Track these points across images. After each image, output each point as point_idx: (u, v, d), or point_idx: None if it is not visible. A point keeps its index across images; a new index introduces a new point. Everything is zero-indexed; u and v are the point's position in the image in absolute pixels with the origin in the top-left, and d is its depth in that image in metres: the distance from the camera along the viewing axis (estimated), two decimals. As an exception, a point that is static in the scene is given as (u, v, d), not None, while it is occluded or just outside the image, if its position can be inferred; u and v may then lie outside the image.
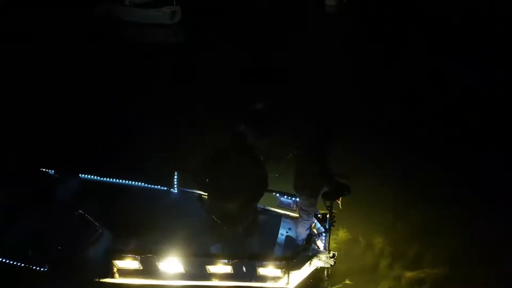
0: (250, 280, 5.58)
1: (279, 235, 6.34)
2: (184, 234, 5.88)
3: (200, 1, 24.76)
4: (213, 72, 14.55)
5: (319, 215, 6.25)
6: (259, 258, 5.51)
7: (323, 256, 5.96)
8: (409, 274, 6.47)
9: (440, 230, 7.24)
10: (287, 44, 18.02)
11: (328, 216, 6.08)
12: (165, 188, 6.95)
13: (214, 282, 5.52)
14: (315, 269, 5.92)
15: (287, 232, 6.42)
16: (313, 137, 5.89)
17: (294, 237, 6.26)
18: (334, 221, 6.03)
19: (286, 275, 5.54)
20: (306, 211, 5.89)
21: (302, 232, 6.04)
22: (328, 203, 5.83)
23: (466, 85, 13.53)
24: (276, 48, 17.28)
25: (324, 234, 6.08)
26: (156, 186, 6.97)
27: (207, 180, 5.58)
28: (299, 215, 6.05)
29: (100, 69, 14.63)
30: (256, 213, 6.01)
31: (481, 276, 6.36)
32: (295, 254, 5.74)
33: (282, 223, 6.53)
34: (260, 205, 6.77)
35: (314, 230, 6.28)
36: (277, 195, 6.64)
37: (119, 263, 5.46)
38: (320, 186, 5.67)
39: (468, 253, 6.77)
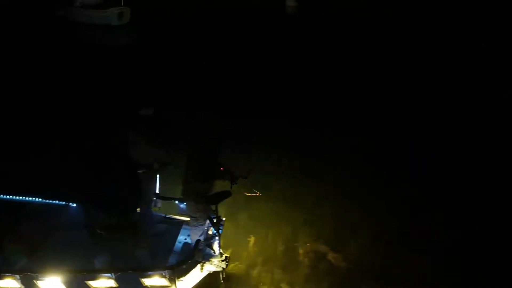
0: (138, 292, 5.56)
1: (177, 243, 6.31)
2: (76, 250, 5.81)
3: (154, 2, 24.69)
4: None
5: (214, 219, 6.25)
6: (142, 268, 5.47)
7: (215, 260, 5.97)
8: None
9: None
10: (234, 46, 18.04)
11: (222, 219, 6.14)
12: (64, 203, 6.83)
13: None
14: (209, 273, 5.96)
15: (185, 239, 6.39)
16: (196, 143, 5.88)
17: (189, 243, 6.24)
18: (222, 224, 6.05)
19: (173, 283, 5.54)
20: (194, 217, 5.88)
21: (195, 238, 6.02)
22: (213, 207, 5.84)
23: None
24: (218, 51, 17.30)
25: (216, 239, 6.07)
26: (54, 201, 6.84)
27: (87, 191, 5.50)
28: (190, 221, 6.04)
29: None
30: (142, 222, 5.97)
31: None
32: (182, 261, 5.71)
33: (182, 230, 6.50)
34: (161, 213, 6.77)
35: (210, 233, 6.27)
36: (177, 202, 6.63)
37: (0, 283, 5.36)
38: (204, 191, 5.67)
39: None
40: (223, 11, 24.55)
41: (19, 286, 5.38)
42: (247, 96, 12.90)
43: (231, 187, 5.95)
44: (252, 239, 6.91)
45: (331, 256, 6.56)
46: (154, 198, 6.51)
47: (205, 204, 5.73)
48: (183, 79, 14.45)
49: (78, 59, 16.40)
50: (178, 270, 5.58)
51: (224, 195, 5.71)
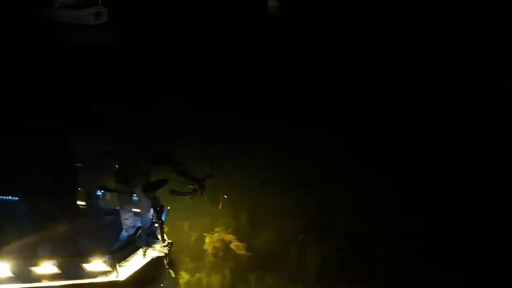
0: (81, 278, 5.89)
1: (123, 232, 6.63)
2: (24, 240, 6.11)
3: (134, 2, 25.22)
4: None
5: (158, 208, 6.59)
6: (81, 255, 5.81)
7: (157, 246, 6.32)
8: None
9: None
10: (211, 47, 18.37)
11: (166, 208, 6.49)
12: (17, 198, 7.13)
13: (44, 283, 5.81)
14: (152, 259, 6.30)
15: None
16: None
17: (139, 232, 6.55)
18: (165, 212, 6.40)
19: (115, 269, 5.89)
20: (121, 201, 6.28)
21: (125, 224, 6.37)
22: (150, 195, 6.17)
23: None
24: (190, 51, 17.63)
25: (158, 226, 6.41)
26: (6, 197, 7.14)
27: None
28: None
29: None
30: (90, 213, 6.32)
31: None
32: (122, 246, 6.07)
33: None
34: (111, 206, 7.08)
35: (154, 221, 6.60)
36: None
37: None
38: (133, 177, 6.02)
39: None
40: (206, 11, 24.96)
41: None
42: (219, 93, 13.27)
43: (201, 194, 6.16)
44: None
45: (234, 245, 6.99)
46: (102, 191, 6.86)
47: (142, 192, 6.06)
48: (162, 78, 14.76)
49: (53, 58, 16.73)
50: (118, 255, 5.94)
51: (160, 183, 6.03)
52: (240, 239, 7.10)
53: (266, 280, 6.44)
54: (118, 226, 6.68)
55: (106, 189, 6.85)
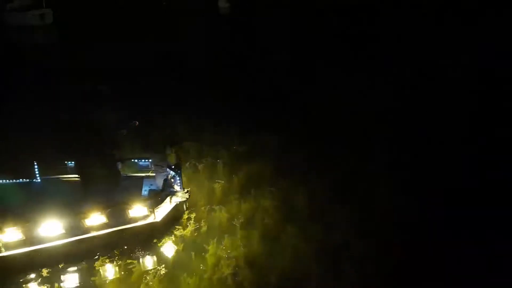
0: (125, 224, 6.87)
1: (143, 191, 7.64)
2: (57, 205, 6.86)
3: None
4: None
5: (172, 166, 7.76)
6: (128, 202, 6.80)
7: (179, 193, 7.53)
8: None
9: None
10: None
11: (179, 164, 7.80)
12: (28, 180, 7.66)
13: (94, 233, 6.65)
14: (176, 204, 7.45)
15: (149, 187, 7.75)
16: None
17: (156, 189, 7.64)
18: (178, 168, 7.66)
19: (153, 213, 6.96)
20: (158, 165, 7.45)
21: (160, 181, 7.52)
22: (173, 149, 7.41)
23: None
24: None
25: (178, 178, 7.60)
26: (18, 180, 7.63)
27: None
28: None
29: None
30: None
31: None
32: (156, 193, 7.17)
33: (144, 183, 7.84)
34: (123, 174, 8.01)
35: (170, 177, 7.74)
36: (136, 161, 8.02)
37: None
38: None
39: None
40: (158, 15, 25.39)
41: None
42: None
43: None
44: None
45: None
46: (118, 162, 7.86)
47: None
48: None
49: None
50: (155, 201, 7.05)
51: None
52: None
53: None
54: (136, 188, 7.67)
55: (121, 160, 7.91)
